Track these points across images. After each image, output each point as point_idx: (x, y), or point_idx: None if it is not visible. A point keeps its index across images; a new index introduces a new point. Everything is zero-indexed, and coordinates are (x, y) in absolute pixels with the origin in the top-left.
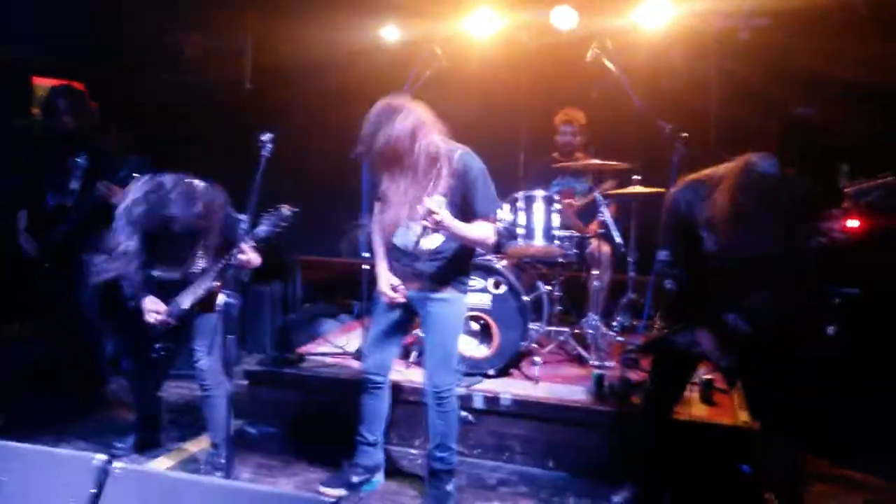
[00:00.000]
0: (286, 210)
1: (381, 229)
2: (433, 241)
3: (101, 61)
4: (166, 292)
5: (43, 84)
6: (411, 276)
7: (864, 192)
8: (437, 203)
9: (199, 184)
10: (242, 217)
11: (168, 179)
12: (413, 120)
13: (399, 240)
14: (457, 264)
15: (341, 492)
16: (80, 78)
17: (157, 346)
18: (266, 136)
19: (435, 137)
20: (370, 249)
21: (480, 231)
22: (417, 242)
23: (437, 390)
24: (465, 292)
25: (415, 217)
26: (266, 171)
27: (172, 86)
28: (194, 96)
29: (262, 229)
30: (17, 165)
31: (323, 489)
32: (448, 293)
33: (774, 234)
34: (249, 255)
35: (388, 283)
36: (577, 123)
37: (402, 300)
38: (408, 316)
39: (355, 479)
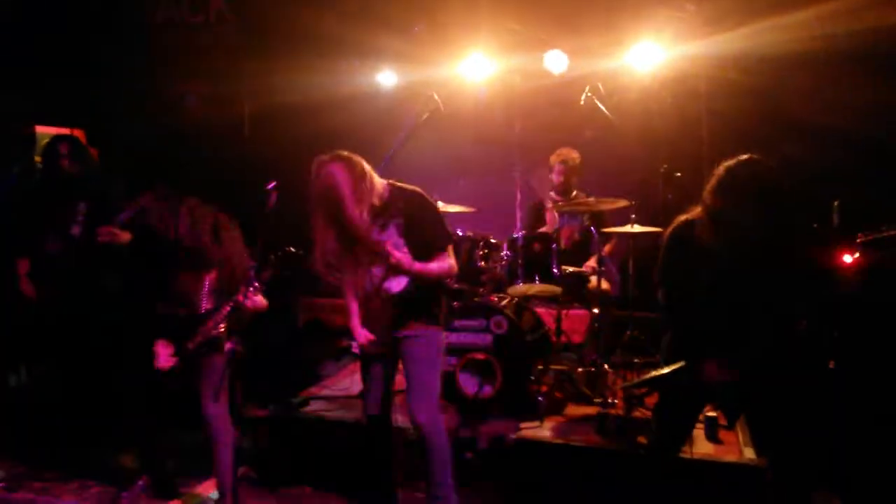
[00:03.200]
0: (290, 251)
1: (351, 280)
2: (398, 284)
3: (102, 109)
4: (175, 333)
5: (46, 132)
6: (383, 319)
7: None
8: (394, 246)
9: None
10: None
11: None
12: (360, 171)
13: (367, 285)
14: (424, 300)
15: None
16: (80, 125)
17: (165, 388)
18: (270, 186)
19: (379, 184)
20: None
21: (441, 265)
22: (381, 285)
23: (422, 425)
24: (438, 323)
25: (376, 262)
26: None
27: (172, 133)
28: (193, 143)
29: (267, 271)
30: (19, 212)
31: None
32: (420, 329)
33: (767, 246)
34: (256, 298)
35: (363, 336)
36: (572, 163)
37: (380, 350)
38: (390, 354)
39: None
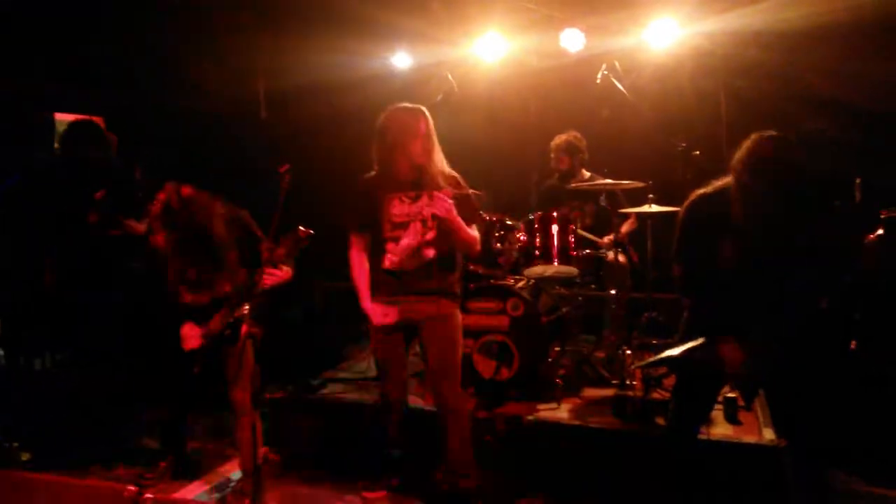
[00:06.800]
0: (302, 231)
1: (365, 259)
2: (420, 257)
3: (118, 92)
4: (197, 318)
5: (64, 119)
6: (402, 295)
7: None
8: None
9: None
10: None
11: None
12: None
13: (390, 258)
14: (444, 275)
15: (382, 493)
16: (98, 111)
17: (189, 372)
18: (284, 168)
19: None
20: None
21: (474, 232)
22: (412, 253)
23: (446, 403)
24: (457, 305)
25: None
26: (285, 199)
27: (188, 114)
28: (210, 124)
29: (281, 251)
30: (40, 200)
31: (365, 494)
32: (440, 308)
33: (791, 224)
34: (278, 272)
35: (378, 313)
36: (567, 148)
37: (393, 319)
38: (406, 337)
39: (394, 482)
